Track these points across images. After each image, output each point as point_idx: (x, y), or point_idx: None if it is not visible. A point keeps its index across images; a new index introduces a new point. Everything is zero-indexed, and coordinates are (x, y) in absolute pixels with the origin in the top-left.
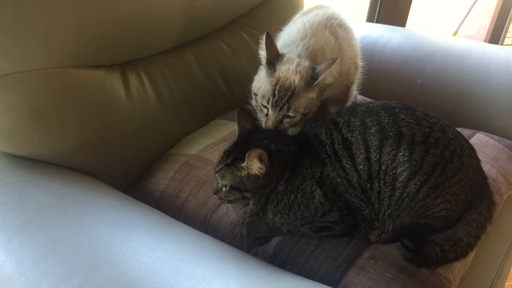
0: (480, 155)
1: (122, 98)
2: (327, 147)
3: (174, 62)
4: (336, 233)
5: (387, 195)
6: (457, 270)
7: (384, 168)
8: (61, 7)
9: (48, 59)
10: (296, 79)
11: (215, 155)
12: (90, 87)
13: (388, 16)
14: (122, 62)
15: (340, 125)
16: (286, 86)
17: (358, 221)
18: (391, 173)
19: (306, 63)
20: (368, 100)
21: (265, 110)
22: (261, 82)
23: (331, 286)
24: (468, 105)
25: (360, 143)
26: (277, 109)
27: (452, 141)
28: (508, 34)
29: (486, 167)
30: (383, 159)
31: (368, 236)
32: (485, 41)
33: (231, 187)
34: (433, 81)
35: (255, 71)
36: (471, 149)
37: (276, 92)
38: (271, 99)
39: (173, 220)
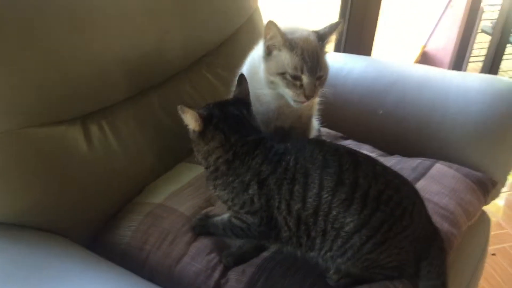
0: (439, 187)
1: (83, 150)
2: (291, 160)
3: (138, 109)
4: (249, 235)
5: (330, 238)
6: None
7: (334, 213)
8: (16, 69)
9: (8, 121)
10: (313, 41)
11: (180, 202)
12: (51, 144)
13: (354, 45)
14: (83, 115)
15: (305, 150)
16: (311, 49)
17: (271, 236)
18: (341, 220)
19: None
20: (333, 132)
21: (298, 83)
22: (281, 62)
23: None
24: (428, 134)
25: (316, 177)
26: (314, 73)
27: (404, 199)
28: (475, 46)
29: (444, 200)
30: (334, 204)
31: (328, 280)
32: (453, 53)
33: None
34: (394, 111)
35: None
36: (422, 204)
37: (307, 57)
38: (305, 67)
39: (135, 279)
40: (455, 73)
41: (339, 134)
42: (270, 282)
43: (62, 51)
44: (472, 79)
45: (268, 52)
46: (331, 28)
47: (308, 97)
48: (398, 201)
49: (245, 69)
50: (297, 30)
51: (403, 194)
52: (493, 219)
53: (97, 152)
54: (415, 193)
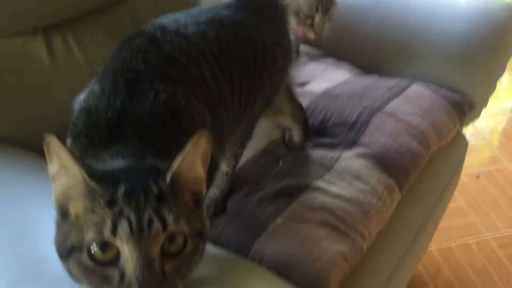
0: (413, 107)
1: (45, 65)
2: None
3: (106, 22)
4: None
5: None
6: (373, 225)
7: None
8: None
9: None
10: None
11: None
12: (8, 57)
13: None
14: (46, 26)
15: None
16: None
17: None
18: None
19: None
20: (313, 50)
21: (309, 21)
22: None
23: (244, 253)
24: (409, 53)
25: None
26: (326, 12)
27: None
28: None
29: (416, 119)
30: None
31: None
32: None
33: (198, 234)
34: (377, 29)
35: None
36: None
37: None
38: (319, 6)
39: None
40: None
41: (320, 51)
42: None
43: None
44: None
45: None
46: None
47: (318, 33)
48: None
49: None
50: None
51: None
52: (483, 142)
53: (61, 66)
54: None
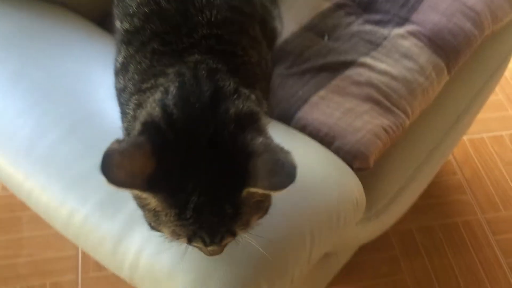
0: None
1: None
2: None
3: None
4: None
5: None
6: (417, 104)
7: None
8: None
9: None
10: None
11: None
12: None
13: None
14: None
15: None
16: None
17: None
18: None
19: None
20: None
21: None
22: None
23: (286, 123)
24: None
25: None
26: None
27: None
28: None
29: (473, 0)
30: None
31: None
32: None
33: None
34: None
35: None
36: None
37: None
38: None
39: None
40: None
41: None
42: None
43: None
44: None
45: None
46: None
47: None
48: None
49: None
50: None
51: None
52: None
53: None
54: None
